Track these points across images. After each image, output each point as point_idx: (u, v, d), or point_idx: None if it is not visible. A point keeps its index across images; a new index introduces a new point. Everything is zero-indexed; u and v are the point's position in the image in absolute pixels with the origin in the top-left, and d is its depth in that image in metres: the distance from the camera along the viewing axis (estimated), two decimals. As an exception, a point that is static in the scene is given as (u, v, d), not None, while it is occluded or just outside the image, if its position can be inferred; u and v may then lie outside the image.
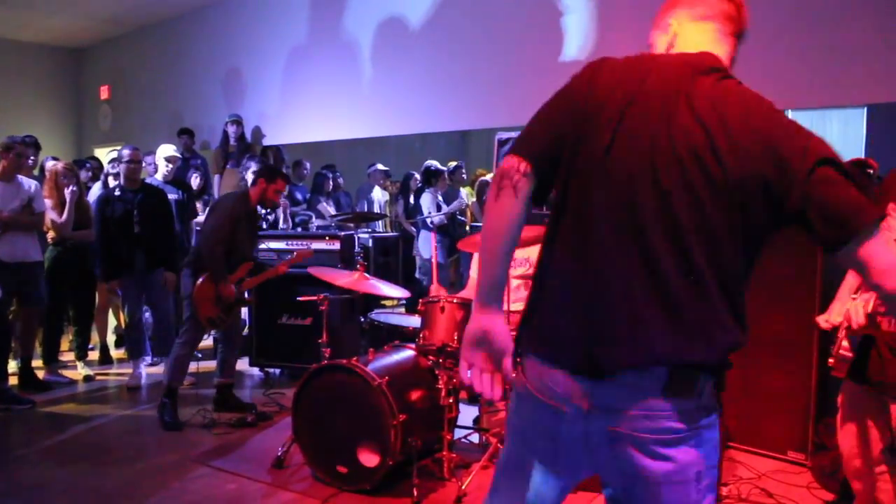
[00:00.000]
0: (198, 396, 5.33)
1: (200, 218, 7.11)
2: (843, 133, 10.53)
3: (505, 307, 4.01)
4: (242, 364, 6.37)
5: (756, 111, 1.61)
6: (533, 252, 4.71)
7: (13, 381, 5.61)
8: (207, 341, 6.58)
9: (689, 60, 1.71)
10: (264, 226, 6.57)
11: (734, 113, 1.59)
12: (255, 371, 6.25)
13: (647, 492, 1.64)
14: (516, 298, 4.79)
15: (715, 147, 1.57)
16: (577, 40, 6.33)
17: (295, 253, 5.48)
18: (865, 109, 10.10)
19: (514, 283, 4.76)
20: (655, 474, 1.62)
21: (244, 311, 6.59)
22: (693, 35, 1.79)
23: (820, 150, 1.55)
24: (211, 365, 5.44)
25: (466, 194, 9.42)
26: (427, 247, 8.25)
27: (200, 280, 4.84)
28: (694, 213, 1.58)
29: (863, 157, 5.62)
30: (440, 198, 8.56)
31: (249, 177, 6.77)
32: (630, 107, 1.64)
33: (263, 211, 6.68)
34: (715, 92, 1.63)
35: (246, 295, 5.16)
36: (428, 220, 8.24)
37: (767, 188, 1.56)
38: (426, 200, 8.43)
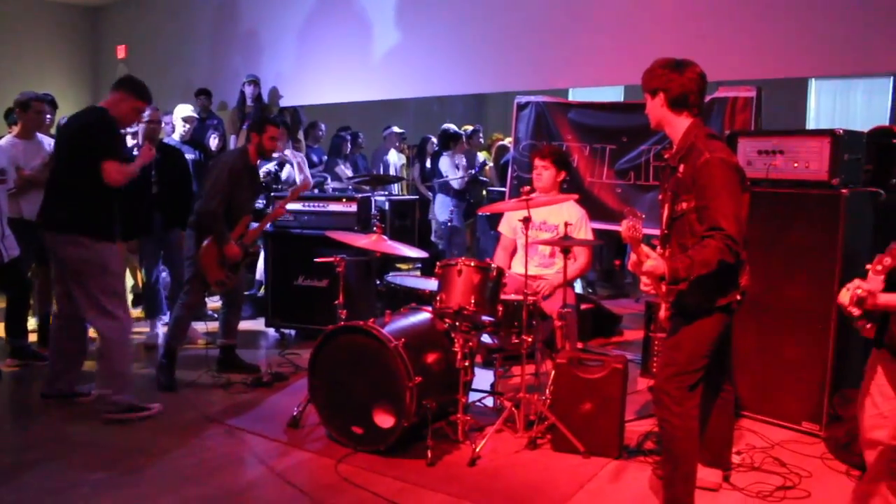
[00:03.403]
0: (210, 357, 5.34)
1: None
2: (868, 102, 10.38)
3: (522, 270, 4.03)
4: (258, 324, 6.43)
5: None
6: (551, 216, 4.69)
7: (32, 338, 5.67)
8: (218, 302, 6.61)
9: None
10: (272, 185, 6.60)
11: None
12: (271, 331, 6.28)
13: None
14: (546, 263, 4.77)
15: None
16: (597, 7, 6.23)
17: (291, 190, 5.54)
18: (892, 79, 9.94)
19: (542, 249, 4.74)
20: None
21: (260, 271, 6.62)
22: None
23: None
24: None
25: (484, 158, 9.38)
26: (444, 210, 8.24)
27: (205, 244, 4.82)
28: None
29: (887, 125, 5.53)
30: (458, 161, 8.53)
31: None
32: None
33: (273, 169, 6.67)
34: None
35: (250, 248, 5.14)
36: (451, 183, 8.21)
37: None
38: (445, 164, 8.39)
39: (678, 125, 3.05)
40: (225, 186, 4.85)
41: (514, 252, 4.89)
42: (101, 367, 4.31)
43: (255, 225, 5.11)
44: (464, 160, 8.59)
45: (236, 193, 4.93)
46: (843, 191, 3.93)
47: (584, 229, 4.72)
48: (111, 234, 4.26)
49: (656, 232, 3.25)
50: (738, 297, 3.02)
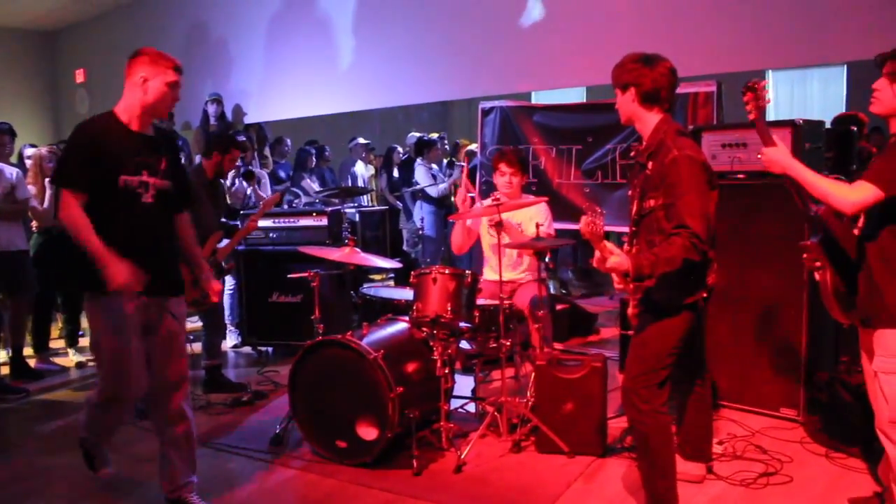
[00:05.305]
0: (191, 378, 5.29)
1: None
2: (824, 92, 10.59)
3: (496, 276, 4.03)
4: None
5: None
6: (515, 215, 4.69)
7: (5, 371, 5.58)
8: (197, 323, 6.55)
9: None
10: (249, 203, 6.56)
11: None
12: (248, 350, 6.24)
13: None
14: (514, 263, 4.78)
15: None
16: (555, 9, 6.30)
17: (262, 203, 5.54)
18: (845, 68, 10.14)
19: (511, 249, 4.74)
20: None
21: (230, 291, 6.58)
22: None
23: None
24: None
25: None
26: (418, 218, 8.25)
27: None
28: None
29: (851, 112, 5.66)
30: (434, 170, 8.53)
31: None
32: None
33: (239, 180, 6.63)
34: None
35: (224, 264, 5.10)
36: (430, 191, 8.20)
37: None
38: (420, 173, 8.37)
39: (648, 120, 3.05)
40: None
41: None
42: None
43: (226, 241, 5.08)
44: (437, 168, 8.60)
45: (197, 211, 4.86)
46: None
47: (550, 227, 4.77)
48: (99, 283, 3.08)
49: (627, 229, 3.28)
50: (705, 295, 3.04)
